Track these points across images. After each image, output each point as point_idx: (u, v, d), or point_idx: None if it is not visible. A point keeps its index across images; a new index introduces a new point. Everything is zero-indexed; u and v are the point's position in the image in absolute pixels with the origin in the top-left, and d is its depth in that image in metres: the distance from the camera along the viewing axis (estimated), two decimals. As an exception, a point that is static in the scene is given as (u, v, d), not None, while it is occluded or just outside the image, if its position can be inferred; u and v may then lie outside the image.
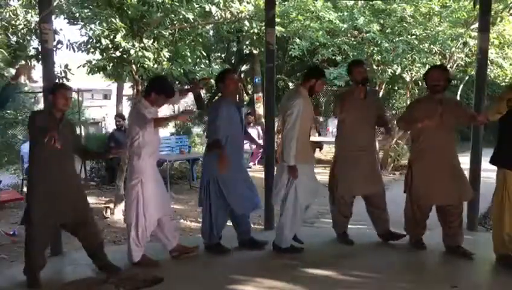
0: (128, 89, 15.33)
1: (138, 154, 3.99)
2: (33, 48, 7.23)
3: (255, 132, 10.91)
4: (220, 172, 4.22)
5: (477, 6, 5.47)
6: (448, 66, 10.95)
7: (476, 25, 7.99)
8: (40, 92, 5.66)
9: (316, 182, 4.50)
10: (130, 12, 6.66)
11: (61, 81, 6.81)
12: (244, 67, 16.60)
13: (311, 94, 4.37)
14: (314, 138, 11.39)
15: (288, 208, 4.33)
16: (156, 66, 6.77)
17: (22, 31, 7.28)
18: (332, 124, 11.33)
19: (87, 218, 3.89)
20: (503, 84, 11.75)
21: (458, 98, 10.10)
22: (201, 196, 4.49)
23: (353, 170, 4.52)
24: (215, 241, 4.47)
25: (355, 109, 4.52)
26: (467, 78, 11.70)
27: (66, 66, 6.40)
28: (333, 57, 10.61)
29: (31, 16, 7.32)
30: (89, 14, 6.85)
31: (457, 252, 4.33)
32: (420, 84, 11.38)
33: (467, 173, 5.11)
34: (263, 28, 7.00)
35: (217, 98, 4.74)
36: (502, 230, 3.98)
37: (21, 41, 7.35)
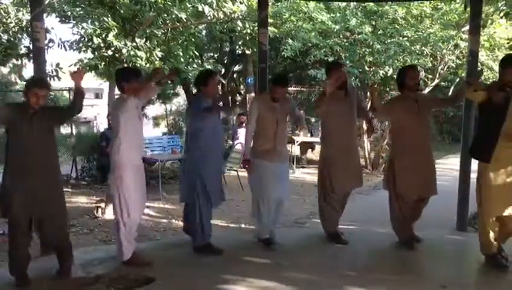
0: (120, 88, 15.26)
1: (118, 148, 3.94)
2: (24, 47, 7.21)
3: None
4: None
5: (468, 8, 5.52)
6: (439, 67, 11.05)
7: (467, 28, 8.06)
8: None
9: (271, 180, 4.51)
10: (122, 11, 6.66)
11: (52, 80, 6.79)
12: (236, 68, 16.59)
13: (273, 99, 4.54)
14: (307, 138, 11.42)
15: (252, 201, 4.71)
16: (148, 65, 6.76)
17: (13, 29, 7.23)
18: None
19: (53, 217, 3.68)
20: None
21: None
22: (187, 194, 4.43)
23: (342, 167, 4.63)
24: (206, 241, 4.46)
25: (336, 109, 4.56)
26: (457, 80, 11.79)
27: (58, 64, 6.38)
28: (325, 58, 10.64)
29: (23, 14, 7.28)
30: (81, 12, 6.83)
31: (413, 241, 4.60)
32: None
33: (456, 174, 5.17)
34: (256, 28, 7.03)
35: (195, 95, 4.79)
36: (487, 224, 3.97)
37: (12, 39, 7.30)
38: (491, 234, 3.98)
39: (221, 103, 4.56)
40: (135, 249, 4.13)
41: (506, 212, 3.90)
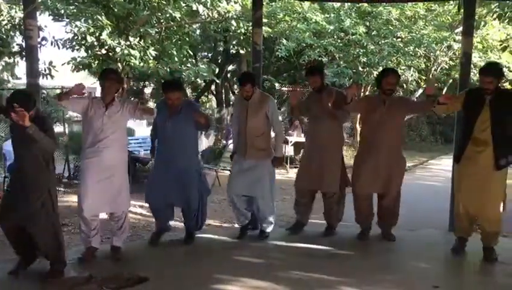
0: (113, 87, 15.19)
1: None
2: (17, 44, 7.15)
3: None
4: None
5: (462, 10, 5.55)
6: (433, 69, 11.11)
7: (460, 29, 8.11)
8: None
9: (241, 177, 4.70)
10: (116, 9, 6.64)
11: (45, 78, 6.75)
12: (230, 67, 16.58)
13: (244, 97, 4.69)
14: (300, 138, 11.42)
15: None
16: (142, 64, 6.74)
17: (6, 26, 7.17)
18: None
19: (33, 226, 3.61)
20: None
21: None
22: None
23: (309, 165, 4.90)
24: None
25: (312, 111, 4.91)
26: (450, 81, 11.87)
27: (51, 63, 6.34)
28: (319, 58, 10.67)
29: (15, 12, 7.22)
30: (75, 10, 6.80)
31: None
32: (405, 86, 11.50)
33: (449, 175, 5.19)
34: (250, 28, 7.02)
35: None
36: (457, 212, 4.38)
37: (4, 37, 7.24)
38: (461, 222, 4.37)
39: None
40: (92, 249, 4.19)
41: (471, 210, 4.25)
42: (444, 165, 10.19)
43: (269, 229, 4.87)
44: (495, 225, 4.21)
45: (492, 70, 4.10)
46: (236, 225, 5.86)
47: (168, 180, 4.49)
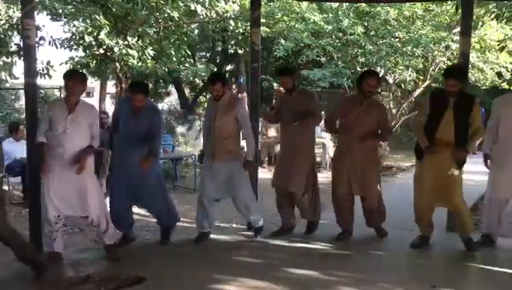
0: (111, 87, 15.19)
1: None
2: (15, 44, 7.12)
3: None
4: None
5: (460, 10, 5.56)
6: (431, 69, 11.12)
7: (458, 29, 8.12)
8: (21, 89, 5.58)
9: (211, 181, 4.69)
10: (114, 9, 6.62)
11: (43, 78, 6.73)
12: (229, 67, 16.57)
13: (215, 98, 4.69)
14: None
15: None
16: (140, 64, 6.73)
17: (4, 26, 7.15)
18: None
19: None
20: (484, 87, 11.95)
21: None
22: None
23: (281, 165, 4.98)
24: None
25: (283, 111, 4.95)
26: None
27: (48, 62, 6.33)
28: (318, 58, 10.67)
29: (13, 11, 7.20)
30: (72, 10, 6.78)
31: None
32: (403, 86, 11.51)
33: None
34: (248, 28, 7.01)
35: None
36: (417, 209, 4.52)
37: (2, 37, 7.22)
38: (421, 220, 4.54)
39: None
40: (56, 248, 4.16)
41: (430, 203, 4.42)
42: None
43: (260, 222, 4.92)
44: (465, 211, 4.41)
45: (456, 73, 4.25)
46: (234, 225, 5.87)
47: (127, 180, 4.47)
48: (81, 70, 7.75)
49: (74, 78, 4.12)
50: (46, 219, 4.11)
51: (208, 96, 19.38)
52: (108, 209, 4.46)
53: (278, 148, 12.57)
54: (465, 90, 4.46)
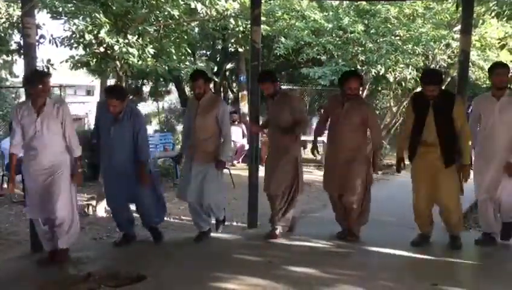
0: (111, 85, 15.17)
1: None
2: (15, 42, 7.11)
3: (239, 130, 10.90)
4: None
5: (460, 8, 5.55)
6: (431, 67, 11.10)
7: (459, 27, 8.10)
8: (21, 87, 5.58)
9: (187, 182, 4.67)
10: (114, 7, 6.61)
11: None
12: (229, 66, 16.55)
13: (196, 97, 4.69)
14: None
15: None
16: (140, 62, 6.72)
17: (4, 24, 7.14)
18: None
19: None
20: (484, 86, 11.94)
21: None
22: None
23: (269, 168, 4.89)
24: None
25: (269, 113, 5.01)
26: (449, 79, 11.86)
27: (49, 61, 6.31)
28: (318, 57, 10.65)
29: (13, 10, 7.19)
30: (73, 8, 6.77)
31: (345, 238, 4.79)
32: (403, 84, 11.50)
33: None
34: (249, 26, 7.00)
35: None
36: (415, 208, 4.53)
37: (2, 35, 7.21)
38: (420, 218, 4.54)
39: None
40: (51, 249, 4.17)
41: (426, 203, 4.44)
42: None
43: (221, 216, 5.03)
44: (455, 213, 4.41)
45: (434, 79, 4.26)
46: (234, 223, 5.89)
47: (117, 180, 4.48)
48: (82, 68, 7.79)
49: (42, 80, 3.97)
50: (32, 220, 4.19)
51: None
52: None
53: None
54: (445, 89, 4.57)
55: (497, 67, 4.44)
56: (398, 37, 10.06)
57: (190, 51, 9.42)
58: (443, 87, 4.79)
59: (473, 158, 4.61)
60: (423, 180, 4.38)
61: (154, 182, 4.73)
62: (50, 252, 4.15)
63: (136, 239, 4.77)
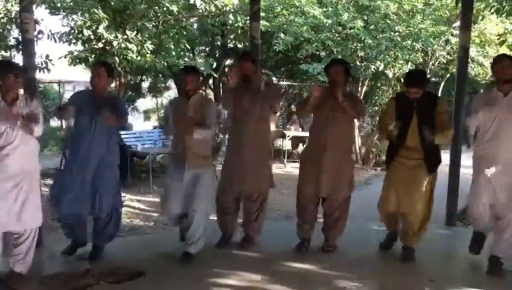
0: (110, 81, 15.15)
1: None
2: (13, 38, 7.11)
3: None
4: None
5: (460, 4, 5.54)
6: (430, 63, 11.10)
7: (458, 23, 8.09)
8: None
9: (179, 192, 4.11)
10: (113, 3, 6.61)
11: (42, 72, 6.72)
12: (228, 62, 16.52)
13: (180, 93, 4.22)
14: (298, 132, 11.43)
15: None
16: (139, 58, 6.72)
17: (2, 20, 7.13)
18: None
19: None
20: (484, 82, 11.95)
21: (440, 95, 10.22)
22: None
23: (234, 165, 4.35)
24: None
25: (239, 101, 4.30)
26: (448, 75, 11.86)
27: (47, 56, 6.31)
28: (317, 53, 10.64)
29: (11, 5, 7.18)
30: (71, 4, 6.78)
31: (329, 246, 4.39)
32: (402, 80, 11.49)
33: (446, 169, 5.20)
34: (248, 22, 6.99)
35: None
36: (384, 213, 4.30)
37: (1, 30, 7.20)
38: (388, 220, 4.34)
39: None
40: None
41: (401, 209, 4.11)
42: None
43: (195, 249, 4.11)
44: (417, 224, 4.12)
45: (418, 81, 4.01)
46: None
47: (83, 186, 3.92)
48: (81, 64, 7.78)
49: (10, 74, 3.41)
50: None
51: (207, 91, 19.39)
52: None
53: (277, 142, 12.60)
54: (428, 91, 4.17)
55: (503, 59, 3.91)
56: (397, 33, 10.05)
57: (189, 47, 9.42)
58: (439, 86, 4.63)
59: (472, 160, 4.11)
60: (399, 182, 4.10)
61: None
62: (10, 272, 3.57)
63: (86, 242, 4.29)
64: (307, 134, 10.59)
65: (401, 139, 4.09)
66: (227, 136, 4.33)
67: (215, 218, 4.51)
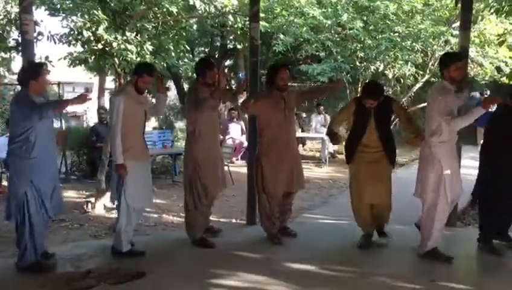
0: (110, 82, 15.16)
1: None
2: (13, 39, 7.10)
3: (238, 127, 10.89)
4: None
5: (459, 4, 5.54)
6: (430, 63, 11.11)
7: (458, 24, 8.10)
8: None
9: (147, 184, 4.30)
10: (112, 4, 6.60)
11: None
12: (228, 62, 16.55)
13: (138, 91, 4.16)
14: (297, 133, 11.39)
15: (121, 210, 4.14)
16: (138, 59, 6.71)
17: (2, 21, 7.13)
18: (316, 120, 11.37)
19: None
20: (483, 82, 11.95)
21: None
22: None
23: (209, 167, 4.51)
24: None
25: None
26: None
27: (47, 58, 6.29)
28: (317, 53, 10.66)
29: (11, 7, 7.18)
30: (71, 5, 6.76)
31: (285, 233, 4.75)
32: (402, 81, 11.51)
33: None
34: (247, 22, 6.99)
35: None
36: (357, 209, 4.51)
37: (0, 32, 7.20)
38: (364, 219, 4.51)
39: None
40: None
41: (370, 201, 4.41)
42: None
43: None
44: (389, 210, 4.53)
45: (375, 94, 4.28)
46: (234, 220, 5.88)
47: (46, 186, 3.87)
48: (80, 65, 7.78)
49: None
50: None
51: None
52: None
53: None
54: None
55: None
56: (397, 34, 10.06)
57: (188, 48, 9.41)
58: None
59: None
60: (365, 178, 4.36)
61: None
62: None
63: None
64: (307, 134, 10.62)
65: (358, 138, 4.39)
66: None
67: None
